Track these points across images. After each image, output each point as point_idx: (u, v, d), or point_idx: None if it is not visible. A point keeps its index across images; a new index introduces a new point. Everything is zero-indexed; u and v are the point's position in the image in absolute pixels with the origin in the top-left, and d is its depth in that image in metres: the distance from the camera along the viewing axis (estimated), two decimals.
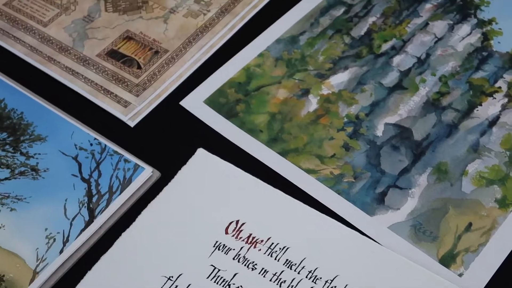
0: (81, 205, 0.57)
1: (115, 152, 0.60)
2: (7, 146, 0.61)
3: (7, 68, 0.67)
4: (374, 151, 0.59)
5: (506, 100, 0.61)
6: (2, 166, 0.60)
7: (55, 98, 0.65)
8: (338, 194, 0.56)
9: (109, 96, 0.64)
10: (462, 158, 0.58)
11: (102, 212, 0.56)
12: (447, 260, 0.52)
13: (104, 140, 0.61)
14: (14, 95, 0.64)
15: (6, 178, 0.59)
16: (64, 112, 0.63)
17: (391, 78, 0.64)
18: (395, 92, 0.63)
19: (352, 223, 0.55)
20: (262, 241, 0.54)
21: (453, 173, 0.57)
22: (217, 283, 0.52)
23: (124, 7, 0.72)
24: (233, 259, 0.53)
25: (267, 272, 0.52)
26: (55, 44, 0.69)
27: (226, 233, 0.54)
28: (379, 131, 0.60)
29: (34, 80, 0.66)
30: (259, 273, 0.52)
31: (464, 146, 0.59)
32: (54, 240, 0.55)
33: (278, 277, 0.52)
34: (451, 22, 0.67)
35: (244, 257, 0.53)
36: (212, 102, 0.63)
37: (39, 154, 0.60)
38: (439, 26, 0.67)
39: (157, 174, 0.59)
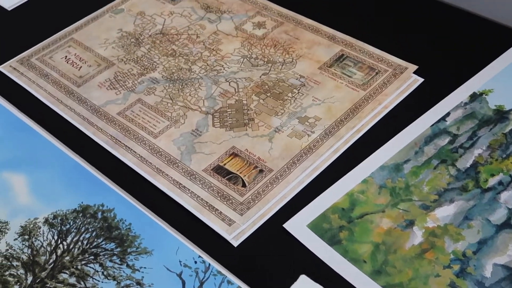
0: None
1: (219, 272, 0.60)
2: (115, 257, 0.63)
3: (118, 177, 0.70)
4: None
5: None
6: (109, 278, 0.61)
7: (162, 211, 0.67)
8: None
9: (214, 213, 0.66)
10: None
11: None
12: None
13: (208, 259, 0.62)
14: (124, 205, 0.67)
15: None
16: (170, 226, 0.65)
17: (499, 215, 0.62)
18: (504, 230, 0.61)
19: None
20: None
21: None
22: None
23: (231, 123, 0.74)
24: None
25: None
26: (164, 156, 0.72)
27: None
28: (488, 271, 0.58)
29: (142, 191, 0.69)
30: None
31: None
32: None
33: None
34: None
35: None
36: (315, 226, 0.63)
37: (145, 268, 0.62)
38: None
39: None
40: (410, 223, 0.63)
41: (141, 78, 0.81)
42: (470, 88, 0.74)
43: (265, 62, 0.81)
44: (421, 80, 0.77)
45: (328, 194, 0.66)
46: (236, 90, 0.78)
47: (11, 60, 0.86)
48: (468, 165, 0.67)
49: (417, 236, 0.62)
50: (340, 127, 0.72)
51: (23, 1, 0.96)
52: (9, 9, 0.95)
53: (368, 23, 0.86)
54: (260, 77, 0.79)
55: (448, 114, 0.72)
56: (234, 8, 0.90)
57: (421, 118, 0.72)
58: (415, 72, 0.77)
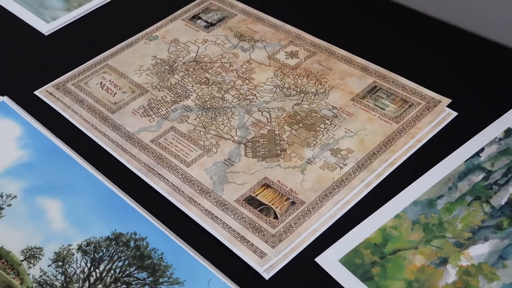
0: None
1: None
2: (147, 287, 0.63)
3: (151, 205, 0.71)
4: None
5: None
6: None
7: (194, 241, 0.67)
8: None
9: (245, 244, 0.66)
10: None
11: None
12: None
13: None
14: (156, 234, 0.67)
15: None
16: (201, 256, 0.65)
17: None
18: None
19: None
20: None
21: None
22: None
23: (263, 153, 0.75)
24: None
25: None
26: (196, 185, 0.72)
27: None
28: None
29: (175, 220, 0.69)
30: None
31: None
32: None
33: None
34: None
35: None
36: (348, 262, 0.63)
37: None
38: None
39: None
40: (444, 261, 0.62)
41: (175, 106, 0.82)
42: (505, 124, 0.74)
43: (297, 92, 0.82)
44: (454, 114, 0.76)
45: (360, 229, 0.66)
46: (269, 120, 0.79)
47: (47, 85, 0.88)
48: (503, 203, 0.67)
49: (450, 274, 0.61)
50: (372, 160, 0.72)
51: (60, 27, 0.98)
52: (46, 34, 0.97)
53: (401, 55, 0.86)
54: (293, 107, 0.80)
55: (482, 149, 0.72)
56: (267, 37, 0.91)
57: (454, 153, 0.72)
58: (448, 106, 0.77)
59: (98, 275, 0.65)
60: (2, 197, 0.73)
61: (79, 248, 0.67)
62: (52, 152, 0.78)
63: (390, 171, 0.71)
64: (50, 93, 0.86)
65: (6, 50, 0.95)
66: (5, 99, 0.85)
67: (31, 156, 0.78)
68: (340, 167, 0.72)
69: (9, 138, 0.80)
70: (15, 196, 0.73)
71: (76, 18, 0.99)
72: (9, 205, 0.72)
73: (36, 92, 0.87)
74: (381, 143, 0.74)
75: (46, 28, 0.98)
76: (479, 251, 0.63)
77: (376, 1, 0.95)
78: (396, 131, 0.75)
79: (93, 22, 0.99)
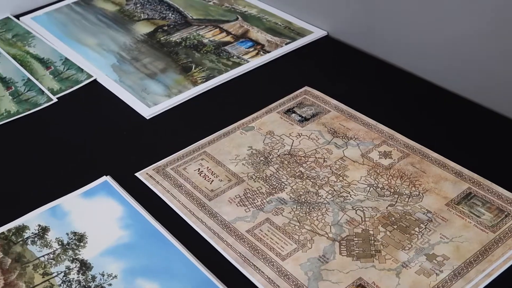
0: None
1: None
2: None
3: None
4: None
5: None
6: None
7: None
8: None
9: None
10: None
11: None
12: None
13: None
14: None
15: None
16: None
17: None
18: None
19: None
20: None
21: None
22: None
23: (357, 252, 0.76)
24: None
25: None
26: (291, 280, 0.73)
27: None
28: None
29: None
30: None
31: None
32: None
33: None
34: None
35: None
36: None
37: None
38: None
39: None
40: None
41: (270, 198, 0.85)
42: None
43: (391, 193, 0.83)
44: None
45: None
46: (363, 219, 0.80)
47: (148, 167, 0.92)
48: None
49: None
50: (469, 269, 0.72)
51: (160, 112, 1.03)
52: (147, 118, 1.02)
53: (496, 162, 0.86)
54: (387, 208, 0.81)
55: None
56: (360, 135, 0.93)
57: None
58: None
59: None
60: (103, 276, 0.76)
61: None
62: (152, 234, 0.81)
63: (488, 282, 0.71)
64: (150, 176, 0.90)
65: (111, 131, 1.00)
66: (108, 178, 0.90)
67: (131, 237, 0.81)
68: (436, 273, 0.72)
69: (111, 218, 0.84)
70: (115, 276, 0.76)
71: (176, 104, 1.05)
72: (110, 284, 0.75)
73: (137, 174, 0.91)
74: (478, 252, 0.74)
75: (147, 112, 1.03)
76: None
77: (469, 107, 0.97)
78: (493, 240, 0.75)
79: (191, 109, 1.04)
